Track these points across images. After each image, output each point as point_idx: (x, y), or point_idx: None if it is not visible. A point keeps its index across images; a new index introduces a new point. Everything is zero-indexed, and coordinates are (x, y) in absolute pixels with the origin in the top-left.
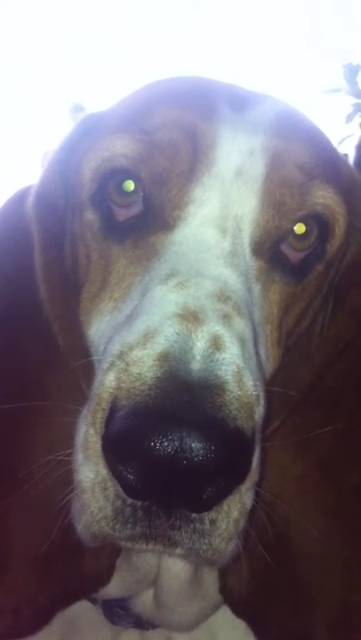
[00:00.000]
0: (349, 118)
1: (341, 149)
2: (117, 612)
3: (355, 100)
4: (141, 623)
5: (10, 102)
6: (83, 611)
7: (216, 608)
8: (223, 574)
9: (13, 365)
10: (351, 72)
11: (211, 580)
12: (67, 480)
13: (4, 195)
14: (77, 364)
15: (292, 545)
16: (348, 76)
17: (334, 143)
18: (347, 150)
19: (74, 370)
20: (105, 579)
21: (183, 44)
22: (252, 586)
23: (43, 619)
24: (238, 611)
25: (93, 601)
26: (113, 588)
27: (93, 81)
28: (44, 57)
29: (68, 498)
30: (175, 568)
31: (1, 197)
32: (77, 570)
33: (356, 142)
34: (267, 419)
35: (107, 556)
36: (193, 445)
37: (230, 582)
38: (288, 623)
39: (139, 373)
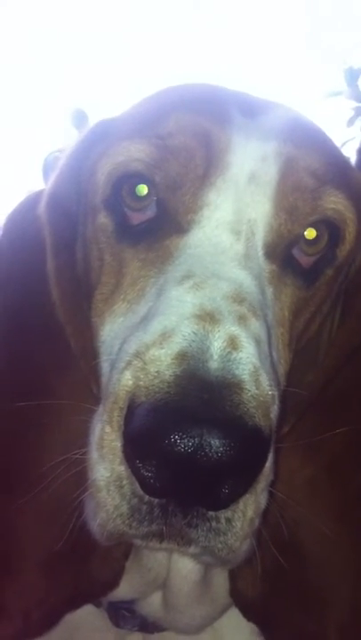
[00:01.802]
0: (351, 122)
1: (343, 153)
2: (123, 614)
3: (356, 104)
4: (147, 626)
5: (9, 103)
6: (86, 614)
7: (224, 611)
8: (233, 577)
9: (26, 367)
10: (352, 76)
11: (219, 582)
12: (79, 481)
13: (3, 194)
14: (89, 366)
15: (302, 547)
16: (348, 80)
17: None
18: (348, 154)
19: (85, 371)
20: (114, 582)
21: (183, 45)
22: (263, 588)
23: (51, 621)
24: (248, 614)
25: (98, 604)
26: (122, 591)
27: (93, 81)
28: (43, 57)
29: (80, 499)
30: (185, 570)
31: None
32: (87, 573)
33: (357, 146)
34: (279, 420)
35: (116, 559)
36: (213, 442)
37: (241, 585)
38: (298, 625)
39: (157, 371)
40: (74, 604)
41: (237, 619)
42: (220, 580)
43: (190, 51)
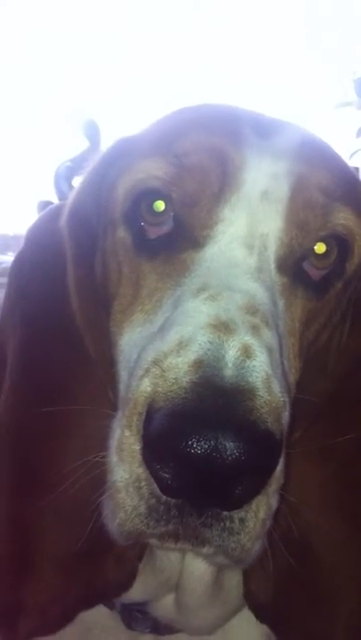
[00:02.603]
0: (360, 132)
1: (352, 163)
2: (136, 616)
3: None
4: (159, 628)
5: (8, 103)
6: (99, 616)
7: (235, 612)
8: (247, 579)
9: (46, 374)
10: None
11: (232, 584)
12: (97, 483)
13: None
14: (107, 373)
15: (313, 550)
16: (358, 91)
17: (345, 157)
18: (357, 164)
19: (103, 378)
20: (128, 583)
21: (183, 45)
22: (275, 591)
23: (66, 618)
24: (261, 615)
25: (111, 606)
26: (135, 592)
27: (93, 81)
28: (42, 57)
29: (98, 501)
30: (198, 572)
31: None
32: (101, 573)
33: None
34: (290, 427)
35: (130, 561)
36: (228, 445)
37: (254, 587)
38: (309, 628)
39: (175, 378)
40: (88, 602)
41: (248, 621)
42: (233, 581)
43: (190, 51)
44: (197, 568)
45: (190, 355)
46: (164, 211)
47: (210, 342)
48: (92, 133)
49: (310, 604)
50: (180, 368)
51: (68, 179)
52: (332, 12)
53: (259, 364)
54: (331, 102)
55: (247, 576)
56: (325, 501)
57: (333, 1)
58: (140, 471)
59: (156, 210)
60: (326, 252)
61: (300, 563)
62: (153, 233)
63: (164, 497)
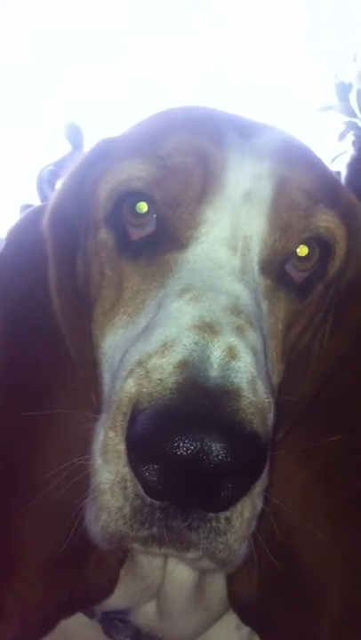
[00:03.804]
0: (342, 136)
1: (334, 167)
2: (116, 624)
3: (347, 119)
4: (139, 636)
5: (7, 103)
6: (78, 625)
7: (218, 618)
8: (231, 581)
9: (27, 376)
10: (343, 90)
11: (214, 589)
12: (79, 488)
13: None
14: (89, 375)
15: (297, 550)
16: (340, 95)
17: (327, 161)
18: (339, 168)
19: (84, 381)
20: (109, 589)
21: (183, 45)
22: (259, 591)
23: (47, 626)
24: (245, 617)
25: (90, 614)
26: (116, 599)
27: (93, 81)
28: (43, 57)
29: (79, 506)
30: (181, 577)
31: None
32: (82, 579)
33: (347, 160)
34: (274, 428)
35: (111, 566)
36: (213, 446)
37: (238, 588)
38: (295, 629)
39: (160, 379)
40: (69, 609)
41: (227, 626)
42: (215, 587)
43: (190, 51)
44: (180, 574)
45: (175, 356)
46: (146, 212)
47: (195, 343)
48: (75, 137)
49: (295, 604)
50: (164, 369)
51: (51, 182)
52: (317, 17)
53: (244, 365)
54: (314, 106)
55: (231, 578)
56: (309, 502)
57: (327, 4)
58: (126, 471)
59: (138, 211)
60: (308, 254)
61: (285, 563)
62: (135, 234)
63: (149, 499)
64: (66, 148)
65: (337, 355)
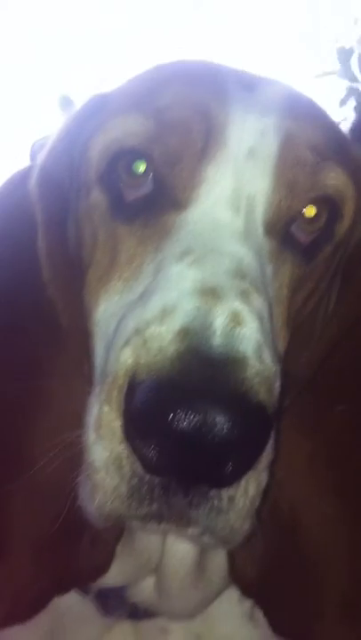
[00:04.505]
0: (343, 102)
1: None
2: (112, 601)
3: (348, 84)
4: (136, 613)
5: (6, 102)
6: (72, 603)
7: (218, 595)
8: (232, 556)
9: (15, 347)
10: (345, 55)
11: (214, 565)
12: (72, 464)
13: None
14: (81, 346)
15: (301, 524)
16: (341, 60)
17: None
18: None
19: (77, 351)
20: (105, 565)
21: (183, 45)
22: (262, 566)
23: (40, 604)
24: (247, 592)
25: (85, 592)
26: (112, 576)
27: (93, 81)
28: (43, 57)
29: (73, 482)
30: (180, 552)
31: None
32: (76, 556)
33: (349, 126)
34: (279, 398)
35: (107, 542)
36: (218, 419)
37: (240, 563)
38: (298, 605)
39: (159, 348)
40: (63, 587)
41: (228, 603)
42: (216, 562)
43: (190, 51)
44: (179, 549)
45: (175, 323)
46: (143, 172)
47: (196, 309)
48: (69, 110)
49: (299, 580)
50: (164, 337)
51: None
52: None
53: (250, 332)
54: (310, 73)
55: (232, 553)
56: (314, 474)
57: None
58: (121, 449)
59: (134, 170)
60: (316, 215)
61: (288, 537)
62: (131, 195)
63: (148, 475)
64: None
65: (345, 319)
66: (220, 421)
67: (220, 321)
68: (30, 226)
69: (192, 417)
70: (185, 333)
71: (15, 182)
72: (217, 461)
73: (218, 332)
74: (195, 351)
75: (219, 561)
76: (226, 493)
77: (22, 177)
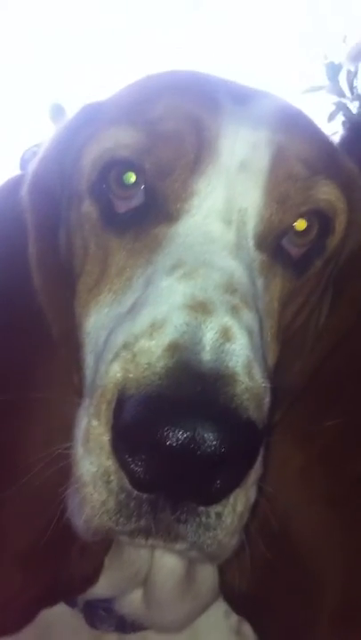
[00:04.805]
0: (332, 117)
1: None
2: (100, 613)
3: (337, 99)
4: (124, 626)
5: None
6: (59, 615)
7: (206, 608)
8: (222, 569)
9: (6, 357)
10: (333, 70)
11: (203, 578)
12: (62, 475)
13: None
14: (71, 356)
15: (293, 537)
16: (330, 75)
17: None
18: None
19: (67, 362)
20: (93, 577)
21: (183, 45)
22: (253, 580)
23: (28, 615)
24: (237, 606)
25: (72, 604)
26: (100, 587)
27: (93, 82)
28: (43, 57)
29: (62, 494)
30: (169, 565)
31: None
32: (65, 567)
33: (338, 140)
34: (270, 413)
35: (95, 554)
36: (206, 435)
37: (229, 577)
38: (291, 618)
39: (148, 363)
40: (51, 599)
41: (215, 617)
42: (204, 575)
43: (190, 49)
44: (168, 561)
45: (165, 337)
46: (134, 183)
47: (186, 324)
48: (60, 118)
49: (291, 592)
50: (153, 352)
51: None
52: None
53: (239, 348)
54: (298, 89)
55: (222, 566)
56: (307, 486)
57: None
58: (109, 464)
59: (125, 182)
60: (307, 228)
61: (280, 550)
62: (122, 207)
63: (136, 491)
64: (50, 130)
65: (336, 332)
66: (209, 438)
67: (209, 336)
68: (23, 234)
69: (180, 433)
70: (174, 348)
71: (9, 188)
72: (205, 478)
73: (207, 348)
74: (184, 366)
75: (207, 574)
76: (214, 510)
77: (15, 184)
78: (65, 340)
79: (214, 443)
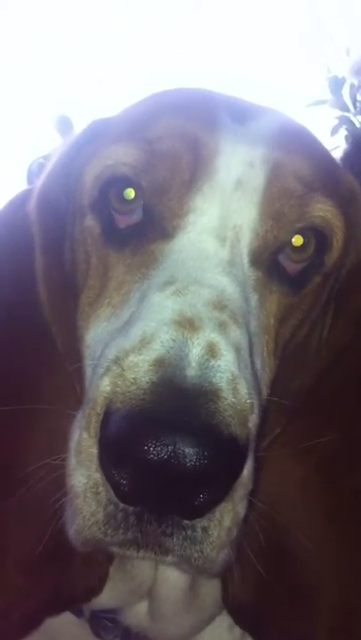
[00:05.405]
0: (335, 131)
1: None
2: (105, 624)
3: (340, 113)
4: (129, 637)
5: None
6: (66, 624)
7: (210, 620)
8: (224, 582)
9: (10, 367)
10: (336, 84)
11: (207, 591)
12: (61, 484)
13: None
14: (74, 368)
15: (293, 550)
16: (333, 89)
17: None
18: None
19: (70, 373)
20: (97, 587)
21: (183, 44)
22: (254, 593)
23: (31, 623)
24: (240, 619)
25: (78, 614)
26: (105, 598)
27: (93, 82)
28: (43, 57)
29: (61, 502)
30: (173, 577)
31: None
32: (69, 576)
33: (340, 155)
34: (264, 428)
35: (99, 564)
36: (186, 451)
37: (232, 590)
38: (289, 628)
39: (134, 378)
40: (55, 607)
41: (219, 630)
42: (208, 588)
43: (189, 51)
44: (172, 574)
45: (152, 353)
46: (133, 199)
47: (173, 339)
48: (66, 129)
49: (291, 606)
50: (140, 367)
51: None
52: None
53: (224, 364)
54: (302, 102)
55: (225, 579)
56: (306, 499)
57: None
58: (98, 476)
59: (125, 198)
60: (303, 244)
61: (280, 563)
62: (122, 222)
63: (122, 504)
64: (56, 141)
65: (336, 346)
66: (190, 453)
67: (195, 352)
68: (30, 247)
69: (160, 448)
70: (160, 364)
71: (17, 203)
72: (187, 492)
73: (193, 364)
74: (168, 382)
75: (211, 587)
76: (199, 524)
77: (24, 197)
78: (69, 351)
79: (194, 458)
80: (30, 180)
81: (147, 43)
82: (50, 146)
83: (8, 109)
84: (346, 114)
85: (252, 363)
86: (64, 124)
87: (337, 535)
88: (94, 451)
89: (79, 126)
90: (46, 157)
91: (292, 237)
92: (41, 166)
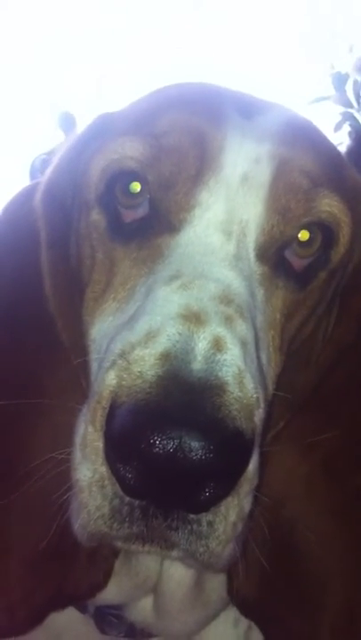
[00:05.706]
0: (338, 127)
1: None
2: (110, 620)
3: (343, 109)
4: (134, 633)
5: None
6: (70, 620)
7: (215, 616)
8: (230, 577)
9: (16, 362)
10: (340, 80)
11: (212, 586)
12: (65, 479)
13: None
14: (79, 362)
15: (298, 546)
16: (336, 85)
17: None
18: None
19: (76, 367)
20: (102, 582)
21: (183, 44)
22: (259, 587)
23: (36, 619)
24: (246, 611)
25: (83, 609)
26: (110, 594)
27: (93, 82)
28: (46, 55)
29: (66, 497)
30: (178, 574)
31: None
32: (73, 571)
33: (344, 150)
34: (269, 423)
35: (104, 559)
36: (192, 445)
37: (238, 584)
38: (294, 624)
39: (140, 372)
40: (59, 603)
41: (224, 625)
42: (214, 584)
43: (189, 51)
44: (177, 570)
45: (158, 347)
46: (139, 193)
47: (179, 334)
48: (69, 126)
49: (294, 601)
50: (145, 361)
51: (44, 172)
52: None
53: (230, 358)
54: (305, 99)
55: (231, 573)
56: (311, 496)
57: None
58: (104, 470)
59: (131, 192)
60: (309, 239)
61: (285, 559)
62: (128, 216)
63: (128, 498)
64: (59, 138)
65: (340, 344)
66: (195, 447)
67: (201, 346)
68: (35, 242)
69: (165, 442)
70: (166, 358)
71: (23, 197)
72: (193, 486)
73: (199, 358)
74: (174, 376)
75: (216, 583)
76: (205, 518)
77: (30, 192)
78: (74, 345)
79: (200, 452)
80: (33, 176)
81: (148, 41)
82: (52, 142)
83: (11, 106)
84: (349, 110)
85: (258, 357)
86: (67, 121)
87: (341, 532)
88: (100, 444)
89: (82, 123)
90: (49, 154)
91: (298, 232)
92: (44, 163)
